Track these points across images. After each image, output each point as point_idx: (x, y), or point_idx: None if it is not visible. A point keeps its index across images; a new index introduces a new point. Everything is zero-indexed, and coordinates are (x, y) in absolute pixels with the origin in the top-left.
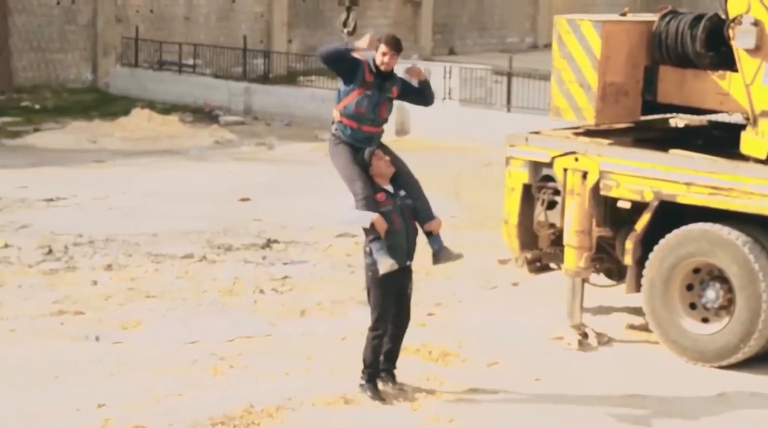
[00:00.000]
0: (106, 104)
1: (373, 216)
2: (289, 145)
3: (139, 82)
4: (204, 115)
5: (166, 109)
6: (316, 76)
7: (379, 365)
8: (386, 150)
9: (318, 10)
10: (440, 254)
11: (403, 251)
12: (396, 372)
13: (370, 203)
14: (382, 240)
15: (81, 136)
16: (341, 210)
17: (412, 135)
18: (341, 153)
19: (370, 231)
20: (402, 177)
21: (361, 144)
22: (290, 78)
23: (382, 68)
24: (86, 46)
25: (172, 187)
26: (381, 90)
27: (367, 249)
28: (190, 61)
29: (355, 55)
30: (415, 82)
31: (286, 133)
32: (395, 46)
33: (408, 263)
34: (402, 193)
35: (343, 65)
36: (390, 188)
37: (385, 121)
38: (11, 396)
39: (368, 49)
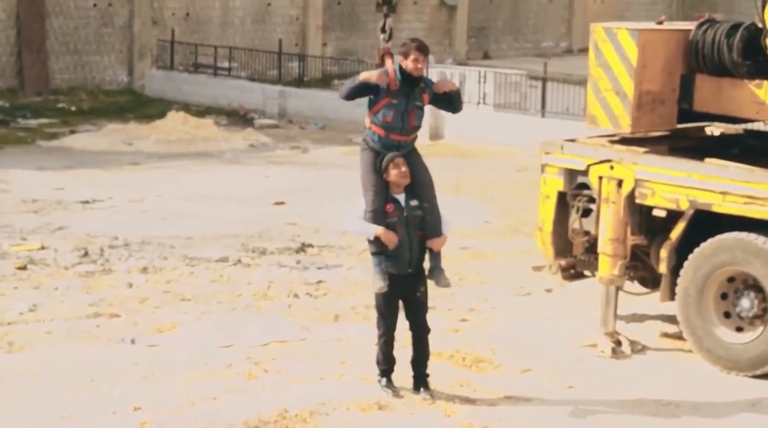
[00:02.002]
0: (141, 106)
1: (378, 230)
2: (323, 148)
3: (175, 84)
4: (239, 118)
5: (201, 111)
6: None
7: (392, 362)
8: (415, 157)
9: (353, 14)
10: (432, 273)
11: (404, 260)
12: (429, 378)
13: (377, 216)
14: (382, 257)
15: (116, 138)
16: (350, 217)
17: (447, 140)
18: (365, 160)
19: (374, 243)
20: (419, 188)
21: (389, 151)
22: (325, 81)
23: (414, 73)
24: (122, 48)
25: (207, 190)
26: (409, 98)
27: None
28: (226, 64)
29: (370, 75)
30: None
31: (321, 136)
32: (424, 50)
33: (410, 270)
34: (414, 202)
35: (363, 93)
36: (401, 198)
37: (416, 129)
38: (48, 399)
39: (379, 77)
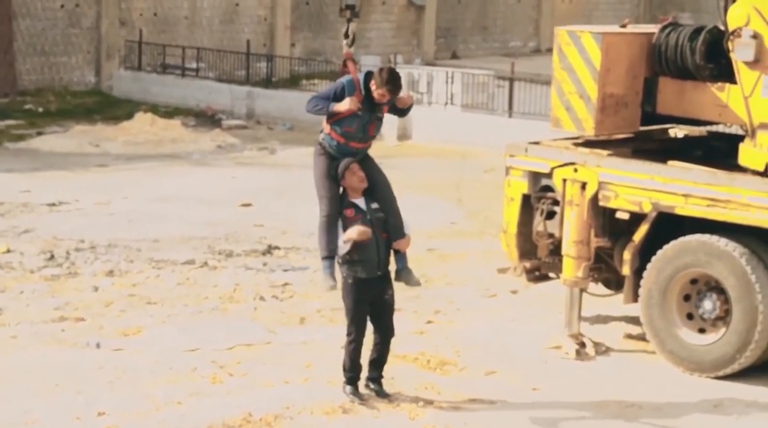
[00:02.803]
0: (109, 108)
1: (351, 234)
2: (292, 149)
3: (142, 85)
4: (206, 119)
5: (169, 112)
6: (318, 80)
7: (359, 370)
8: (369, 160)
9: (321, 14)
10: (400, 274)
11: (373, 263)
12: (393, 380)
13: (330, 222)
14: (332, 260)
15: (84, 140)
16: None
17: (414, 140)
18: (319, 166)
19: (349, 250)
20: (378, 191)
21: (345, 157)
22: (293, 81)
23: (379, 101)
24: (90, 49)
25: (174, 191)
26: (372, 111)
27: (339, 260)
28: (193, 65)
29: (341, 107)
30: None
31: (289, 137)
32: (395, 91)
33: (379, 273)
34: (374, 205)
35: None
36: (361, 202)
37: (374, 137)
38: (12, 403)
39: (349, 110)
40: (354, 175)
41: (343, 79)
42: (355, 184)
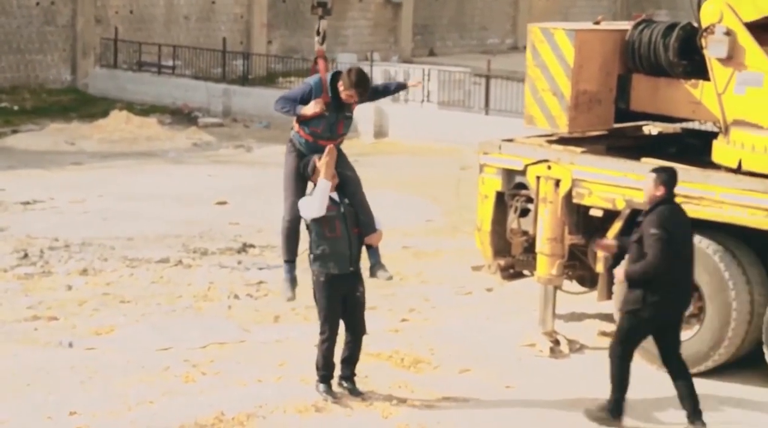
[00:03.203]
0: (85, 105)
1: (318, 162)
2: (268, 147)
3: (118, 83)
4: (182, 116)
5: (145, 110)
6: (295, 77)
7: (332, 368)
8: (341, 157)
9: (298, 11)
10: (374, 269)
11: (345, 258)
12: (367, 379)
13: (292, 228)
14: (293, 265)
15: (59, 138)
16: (306, 207)
17: (391, 137)
18: (289, 162)
19: (314, 240)
20: (348, 187)
21: (316, 154)
22: (270, 79)
23: (346, 102)
24: (65, 47)
25: (150, 189)
26: (339, 111)
27: (311, 256)
28: (170, 62)
29: (306, 111)
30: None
31: (265, 134)
32: (363, 93)
33: (351, 269)
34: (346, 200)
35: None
36: (334, 195)
37: (343, 136)
38: None
39: (314, 113)
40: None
41: (311, 80)
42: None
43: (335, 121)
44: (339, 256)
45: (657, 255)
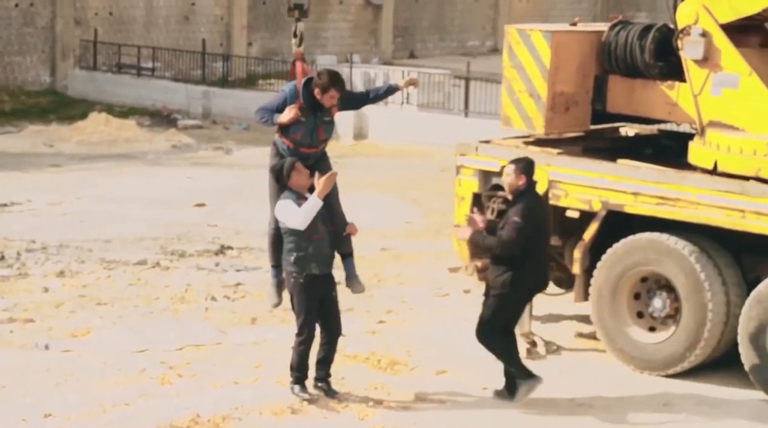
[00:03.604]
0: (64, 107)
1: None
2: (247, 149)
3: (98, 85)
4: (162, 118)
5: (124, 112)
6: (275, 80)
7: (307, 369)
8: (323, 160)
9: (278, 13)
10: (348, 281)
11: (326, 258)
12: (343, 380)
13: (278, 234)
14: (279, 269)
15: (38, 140)
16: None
17: (371, 139)
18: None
19: (296, 242)
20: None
21: (290, 158)
22: (250, 81)
23: (326, 105)
24: (45, 48)
25: (128, 191)
26: (317, 115)
27: (290, 258)
28: (149, 64)
29: (282, 118)
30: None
31: (244, 137)
32: (341, 89)
33: (329, 269)
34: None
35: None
36: (309, 195)
37: (325, 141)
38: None
39: (290, 120)
40: (300, 174)
41: (286, 88)
42: (303, 183)
43: (314, 126)
44: (321, 257)
45: (510, 240)
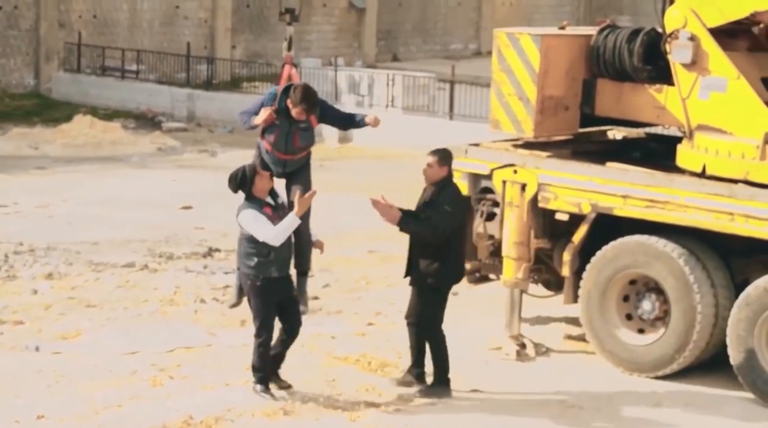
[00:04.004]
0: (48, 110)
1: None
2: (232, 151)
3: (82, 87)
4: (146, 121)
5: (109, 115)
6: (259, 82)
7: (268, 368)
8: (302, 172)
9: (262, 16)
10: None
11: (286, 260)
12: (334, 382)
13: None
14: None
15: (22, 143)
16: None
17: (355, 142)
18: None
19: (259, 247)
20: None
21: (274, 166)
22: (234, 84)
23: (295, 118)
24: (28, 51)
25: (114, 194)
26: (291, 121)
27: (250, 262)
28: (134, 67)
29: (259, 120)
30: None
31: (229, 139)
32: (311, 110)
33: (287, 272)
34: (279, 201)
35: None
36: (270, 200)
37: (303, 149)
38: None
39: (266, 122)
40: (263, 178)
41: (267, 92)
42: (266, 187)
43: (289, 131)
44: (281, 261)
45: (441, 227)
